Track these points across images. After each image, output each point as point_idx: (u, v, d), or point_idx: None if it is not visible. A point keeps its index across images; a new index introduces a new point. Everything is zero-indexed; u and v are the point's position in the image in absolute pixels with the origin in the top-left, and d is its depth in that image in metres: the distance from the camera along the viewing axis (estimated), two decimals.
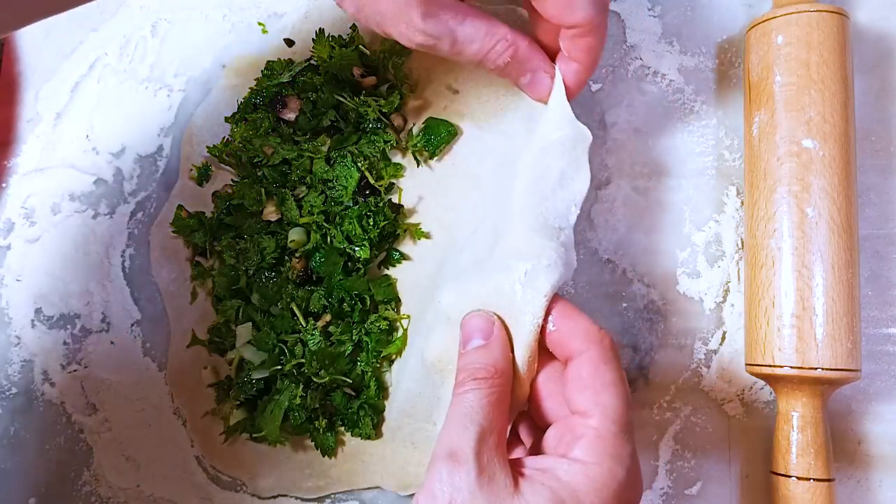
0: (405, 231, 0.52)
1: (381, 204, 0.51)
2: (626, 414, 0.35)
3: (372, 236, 0.50)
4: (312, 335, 0.51)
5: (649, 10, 0.53)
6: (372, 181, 0.52)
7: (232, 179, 0.57)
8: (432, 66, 0.53)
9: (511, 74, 0.44)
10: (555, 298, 0.39)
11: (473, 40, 0.42)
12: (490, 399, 0.36)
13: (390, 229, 0.51)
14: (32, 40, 0.66)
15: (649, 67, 0.53)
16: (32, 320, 0.61)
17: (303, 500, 0.53)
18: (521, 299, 0.38)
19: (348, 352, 0.50)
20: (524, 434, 0.42)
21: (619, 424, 0.35)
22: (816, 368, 0.41)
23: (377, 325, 0.50)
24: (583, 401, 0.36)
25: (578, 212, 0.43)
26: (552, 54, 0.44)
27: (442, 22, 0.40)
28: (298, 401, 0.50)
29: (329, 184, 0.53)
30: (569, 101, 0.44)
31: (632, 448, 0.35)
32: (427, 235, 0.52)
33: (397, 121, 0.53)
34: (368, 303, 0.51)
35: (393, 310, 0.51)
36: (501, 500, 0.32)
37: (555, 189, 0.43)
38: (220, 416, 0.54)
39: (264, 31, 0.60)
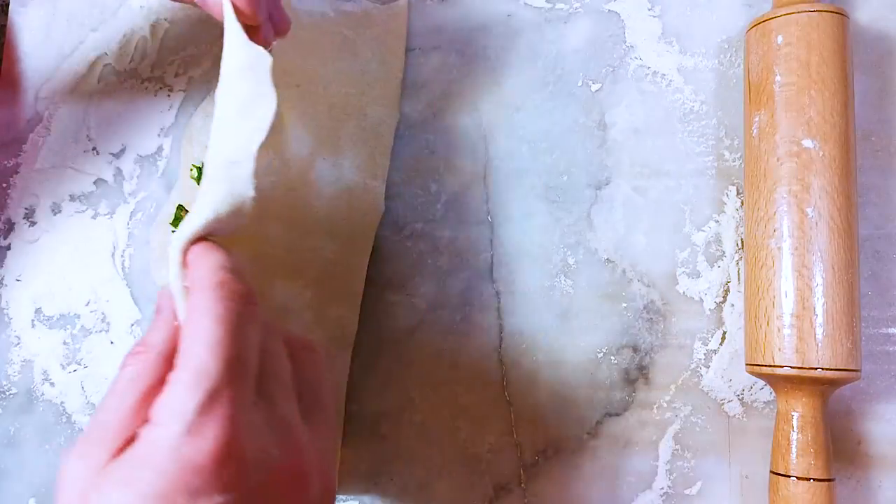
0: None
1: None
2: (211, 367, 0.30)
3: None
4: None
5: (649, 10, 0.53)
6: None
7: None
8: None
9: None
10: (192, 250, 0.34)
11: None
12: (123, 378, 0.33)
13: None
14: (32, 40, 0.66)
15: (649, 67, 0.53)
16: (32, 320, 0.61)
17: None
18: (172, 261, 0.34)
19: None
20: None
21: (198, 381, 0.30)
22: (816, 368, 0.41)
23: None
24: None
25: (263, 137, 0.35)
26: None
27: None
28: None
29: None
30: (244, 23, 0.38)
31: (196, 405, 0.30)
32: None
33: None
34: None
35: None
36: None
37: (237, 124, 0.36)
38: None
39: None
